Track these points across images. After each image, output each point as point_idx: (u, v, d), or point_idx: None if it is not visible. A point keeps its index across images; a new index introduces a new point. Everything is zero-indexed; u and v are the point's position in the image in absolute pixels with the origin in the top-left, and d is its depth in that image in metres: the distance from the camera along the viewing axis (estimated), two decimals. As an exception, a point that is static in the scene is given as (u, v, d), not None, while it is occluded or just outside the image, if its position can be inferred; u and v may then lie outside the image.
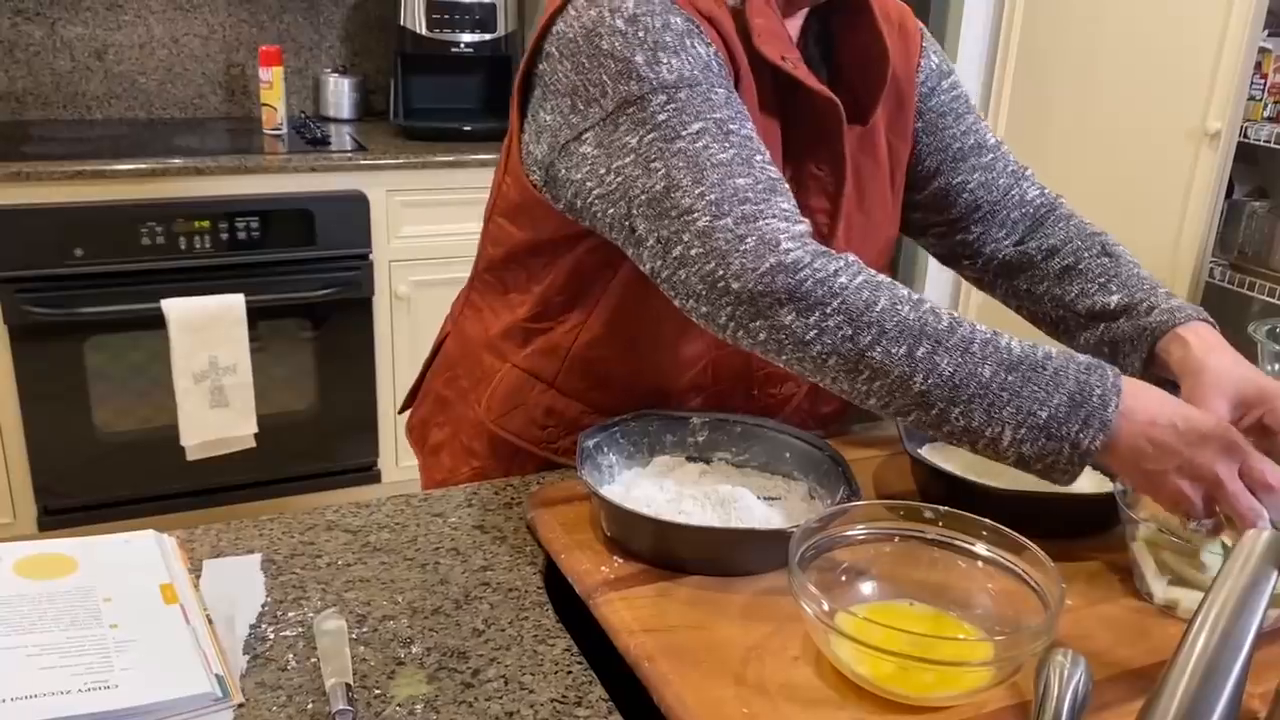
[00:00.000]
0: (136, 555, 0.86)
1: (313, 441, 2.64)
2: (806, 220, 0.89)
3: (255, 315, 2.42)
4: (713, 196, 0.86)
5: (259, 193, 2.42)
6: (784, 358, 0.86)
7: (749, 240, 0.84)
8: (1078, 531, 0.95)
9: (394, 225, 2.58)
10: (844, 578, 0.83)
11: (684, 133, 0.88)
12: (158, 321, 2.32)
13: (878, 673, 0.72)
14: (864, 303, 0.83)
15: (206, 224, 2.38)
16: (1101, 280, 1.10)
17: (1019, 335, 0.86)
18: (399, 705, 0.73)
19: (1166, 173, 2.42)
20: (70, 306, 2.30)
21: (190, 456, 2.43)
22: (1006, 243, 1.17)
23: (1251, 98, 2.37)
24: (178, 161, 2.36)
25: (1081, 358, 0.83)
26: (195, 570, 0.86)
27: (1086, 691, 0.66)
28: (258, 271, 2.45)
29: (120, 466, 2.47)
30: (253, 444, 2.49)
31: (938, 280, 3.16)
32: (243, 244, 2.42)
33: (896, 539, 0.85)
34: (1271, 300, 2.37)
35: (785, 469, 1.00)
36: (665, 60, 0.89)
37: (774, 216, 0.86)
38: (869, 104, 1.03)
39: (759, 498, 0.95)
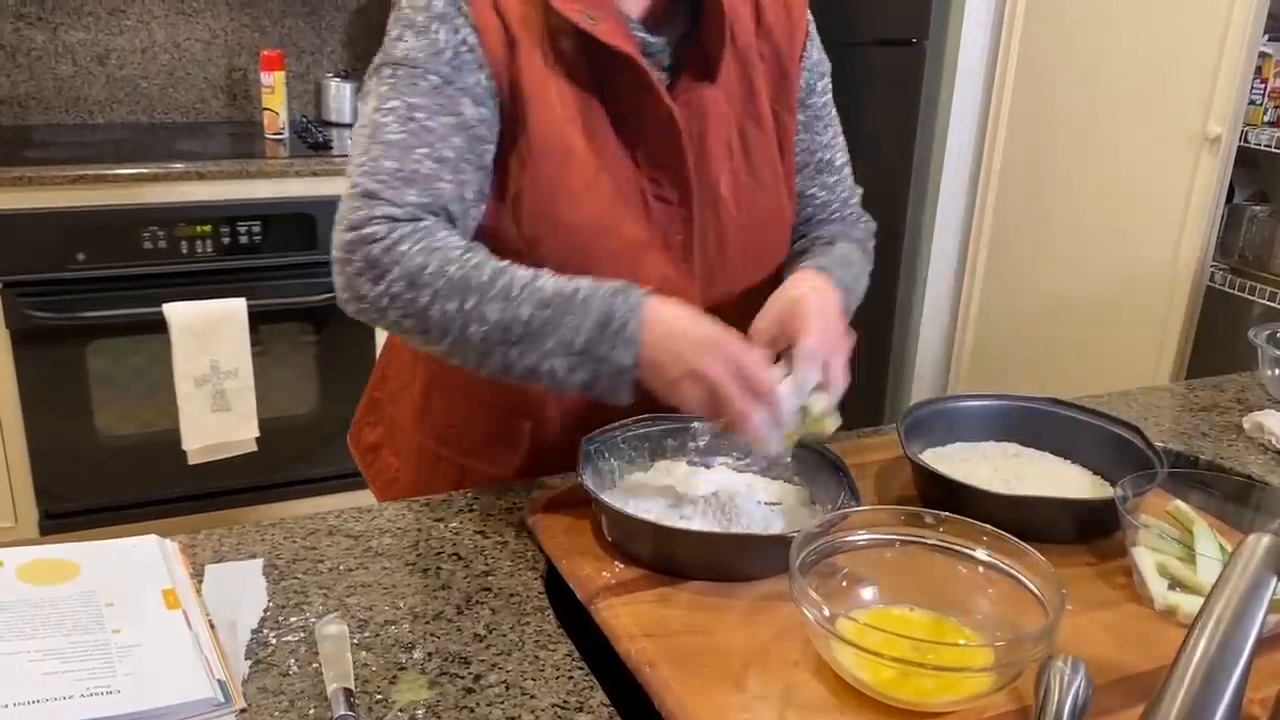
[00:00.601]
0: (139, 560, 0.86)
1: (314, 445, 2.64)
2: (429, 219, 0.94)
3: (257, 319, 2.43)
4: (364, 168, 0.95)
5: (260, 197, 2.43)
6: (382, 328, 0.95)
7: (355, 215, 0.93)
8: (1078, 536, 0.95)
9: (395, 229, 2.57)
10: (845, 583, 0.84)
11: (383, 106, 0.97)
12: (159, 325, 2.32)
13: (878, 678, 0.72)
14: (418, 266, 0.91)
15: (208, 228, 2.38)
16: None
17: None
18: (401, 710, 0.73)
19: (1167, 177, 2.42)
20: (72, 310, 2.31)
21: (192, 460, 2.44)
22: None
23: (1252, 102, 2.37)
24: (179, 166, 2.36)
25: (611, 283, 0.91)
26: (197, 575, 0.87)
27: (1086, 697, 0.66)
28: (259, 275, 2.45)
29: (121, 470, 2.47)
30: (254, 448, 2.49)
31: (943, 252, 3.17)
32: (244, 248, 2.42)
33: (897, 544, 0.85)
34: (1272, 304, 2.37)
35: (786, 474, 1.01)
36: (406, 38, 0.98)
37: (389, 202, 0.93)
38: (715, 61, 1.04)
39: (759, 502, 0.95)
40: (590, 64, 1.00)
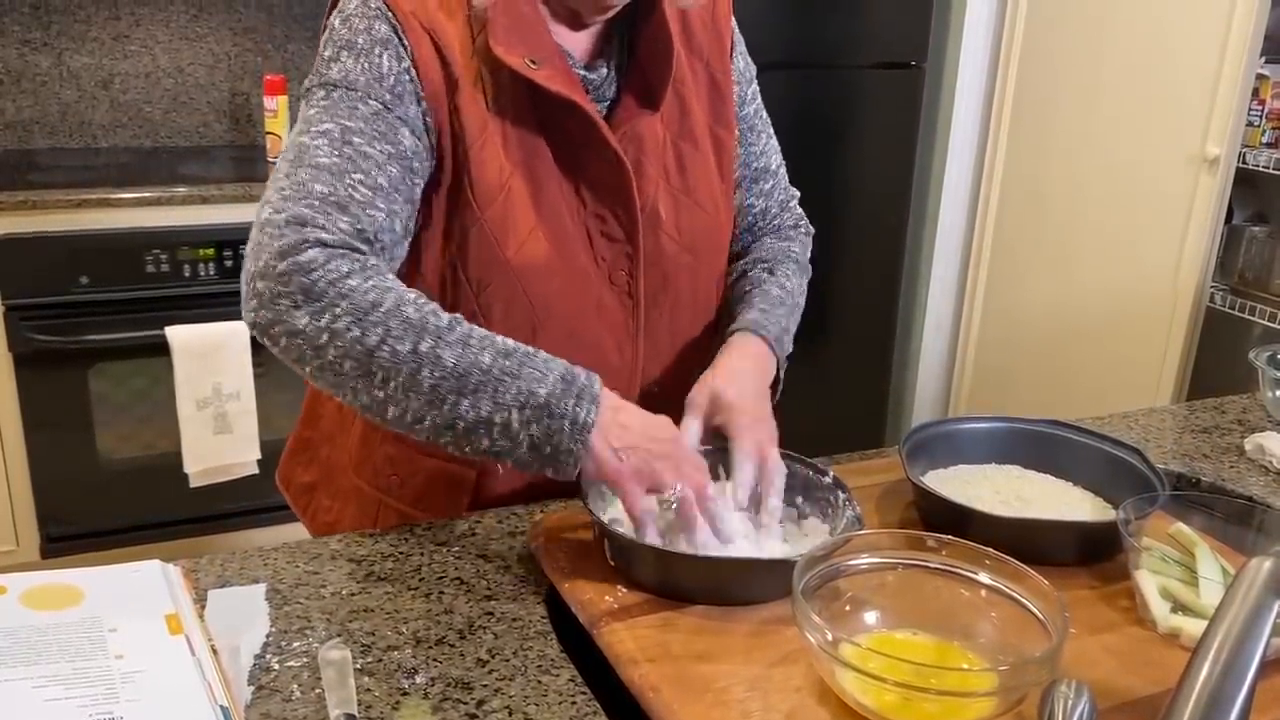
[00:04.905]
0: (142, 585, 0.86)
1: (315, 468, 2.64)
2: (365, 249, 0.89)
3: (259, 342, 2.42)
4: (287, 192, 0.89)
5: (263, 220, 2.43)
6: (307, 369, 0.88)
7: (283, 241, 0.86)
8: (1080, 559, 0.95)
9: (397, 252, 2.58)
10: (848, 607, 0.84)
11: (313, 129, 0.93)
12: (161, 348, 2.32)
13: (881, 703, 0.72)
14: (370, 303, 0.85)
15: (210, 251, 2.39)
16: (746, 291, 1.15)
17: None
18: (403, 736, 0.73)
19: (1166, 198, 2.43)
20: (75, 334, 2.31)
21: (193, 483, 2.43)
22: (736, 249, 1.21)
23: (1250, 123, 2.38)
24: (182, 190, 2.37)
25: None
26: (200, 600, 0.87)
27: (1091, 721, 0.66)
28: (261, 298, 2.45)
29: (123, 493, 2.47)
30: (256, 470, 2.49)
31: (945, 249, 3.17)
32: (247, 271, 2.42)
33: (900, 568, 0.85)
34: (1272, 325, 2.38)
35: (788, 496, 1.01)
36: (343, 61, 0.94)
37: (321, 229, 0.87)
38: (660, 90, 1.04)
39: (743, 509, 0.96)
40: (533, 105, 0.99)
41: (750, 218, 1.19)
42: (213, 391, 2.38)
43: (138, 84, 2.83)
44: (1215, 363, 2.45)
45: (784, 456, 1.01)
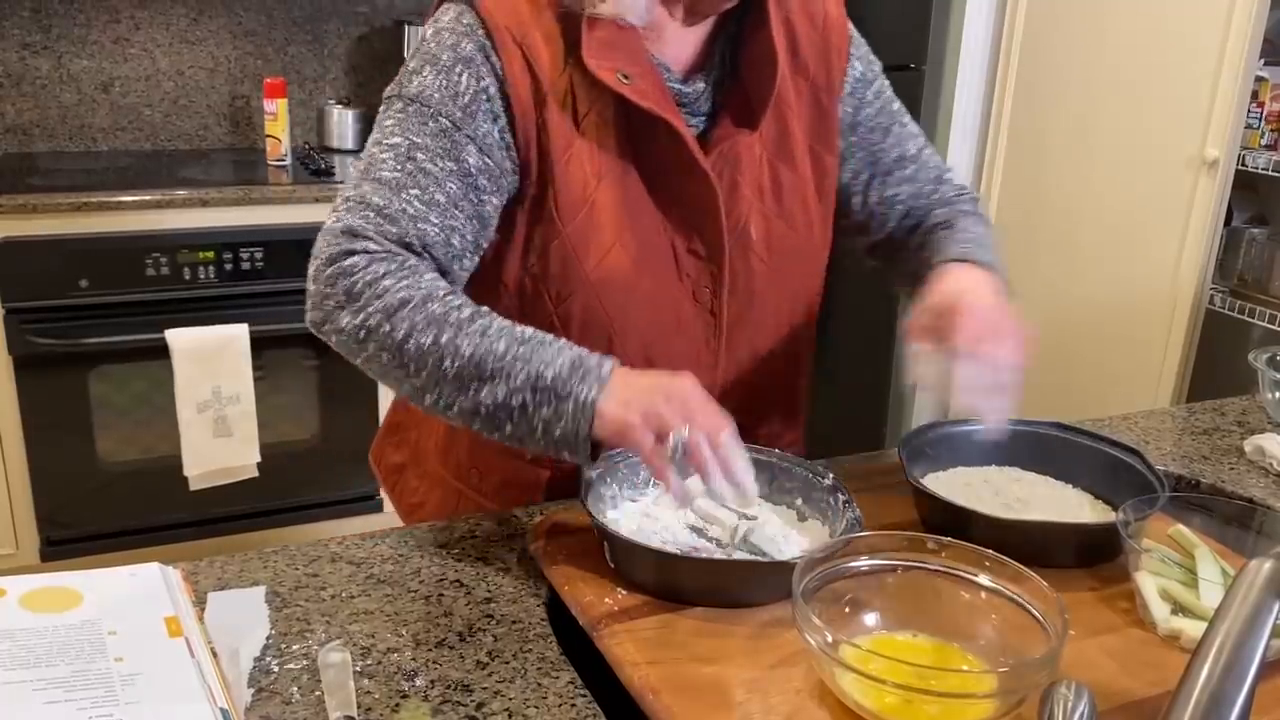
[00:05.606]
0: (141, 588, 0.86)
1: (315, 471, 2.64)
2: (412, 257, 0.94)
3: (258, 345, 2.43)
4: (350, 204, 0.95)
5: (263, 223, 2.44)
6: (357, 361, 0.95)
7: (334, 248, 0.93)
8: (1080, 561, 0.95)
9: (397, 255, 2.59)
10: (848, 609, 0.84)
11: (385, 141, 0.97)
12: (162, 352, 2.33)
13: (882, 705, 0.72)
14: (399, 301, 0.91)
15: (211, 254, 2.39)
16: (945, 231, 1.12)
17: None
18: (403, 739, 0.73)
19: (1166, 200, 2.43)
20: (75, 337, 2.31)
21: (193, 486, 2.43)
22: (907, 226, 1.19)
23: (1249, 125, 2.38)
24: (182, 193, 2.37)
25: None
26: (200, 603, 0.86)
27: (1091, 723, 0.66)
28: (261, 302, 2.46)
29: (123, 496, 2.47)
30: (255, 473, 2.49)
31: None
32: (247, 274, 2.43)
33: (900, 570, 0.85)
34: (1272, 327, 2.38)
35: (788, 498, 1.01)
36: (424, 75, 0.97)
37: (369, 239, 0.93)
38: (760, 110, 1.03)
39: (737, 514, 0.95)
40: (624, 121, 0.99)
41: (899, 206, 1.16)
42: (213, 394, 2.38)
43: (138, 87, 2.83)
44: (1215, 365, 2.45)
45: (783, 460, 1.02)
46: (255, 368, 2.42)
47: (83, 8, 2.72)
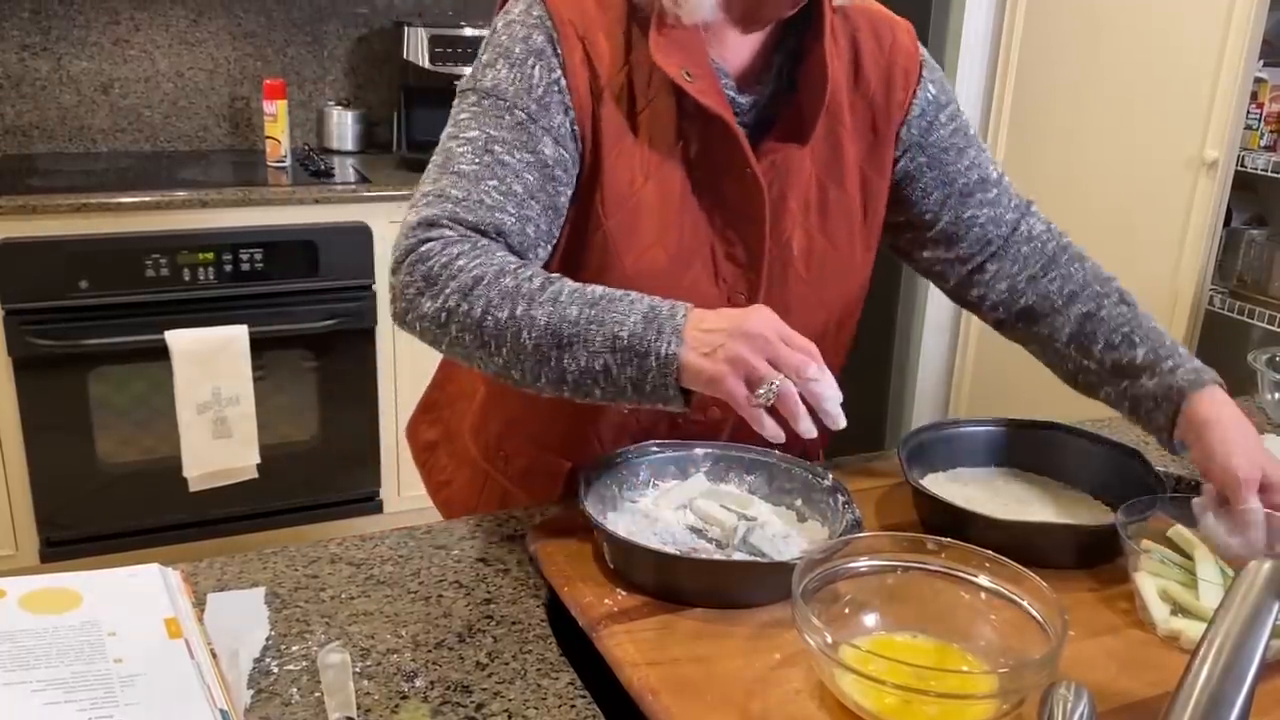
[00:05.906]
0: (141, 589, 0.86)
1: (315, 472, 2.64)
2: (485, 240, 0.94)
3: (258, 346, 2.43)
4: (429, 198, 0.95)
5: (262, 224, 2.44)
6: (441, 347, 0.94)
7: (411, 240, 0.94)
8: (1080, 561, 0.95)
9: (397, 256, 2.59)
10: (847, 610, 0.84)
11: (461, 135, 0.97)
12: (161, 353, 2.33)
13: (881, 706, 0.72)
14: (474, 279, 0.90)
15: (210, 256, 2.39)
16: (1125, 331, 1.09)
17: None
18: (403, 740, 0.73)
19: (1165, 201, 2.43)
20: (75, 338, 2.31)
21: (193, 487, 2.43)
22: (1021, 279, 1.15)
23: (1248, 126, 2.38)
24: (182, 194, 2.37)
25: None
26: (199, 604, 0.86)
27: (1090, 724, 0.66)
28: (261, 303, 2.46)
29: (123, 497, 2.47)
30: (255, 474, 2.49)
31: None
32: (246, 275, 2.43)
33: (899, 571, 0.85)
34: (1271, 328, 2.38)
35: (787, 499, 1.01)
36: (498, 68, 0.98)
37: (446, 227, 0.93)
38: (811, 122, 1.03)
39: (737, 514, 0.95)
40: (678, 120, 1.00)
41: (977, 228, 1.14)
42: (212, 395, 2.38)
43: (137, 88, 2.83)
44: (1214, 365, 2.42)
45: (782, 461, 1.02)
46: (255, 368, 2.42)
47: (82, 9, 2.72)
